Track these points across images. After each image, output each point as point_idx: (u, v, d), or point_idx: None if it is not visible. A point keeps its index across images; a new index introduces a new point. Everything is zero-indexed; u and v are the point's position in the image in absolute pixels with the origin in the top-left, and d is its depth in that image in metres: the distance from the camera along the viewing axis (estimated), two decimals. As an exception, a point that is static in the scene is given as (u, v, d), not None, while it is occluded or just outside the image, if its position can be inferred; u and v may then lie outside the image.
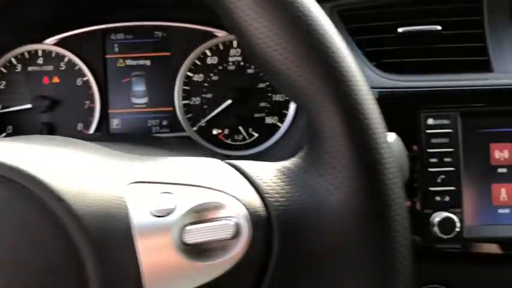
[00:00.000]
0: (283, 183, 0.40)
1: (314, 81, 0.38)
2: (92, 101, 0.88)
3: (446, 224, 0.69)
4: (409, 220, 0.40)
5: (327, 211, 0.38)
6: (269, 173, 0.41)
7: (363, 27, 0.78)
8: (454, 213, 0.70)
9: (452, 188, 0.70)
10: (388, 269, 0.38)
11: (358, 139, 0.38)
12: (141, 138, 0.77)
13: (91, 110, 0.88)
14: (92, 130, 0.87)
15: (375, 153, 0.38)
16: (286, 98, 0.87)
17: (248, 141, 0.88)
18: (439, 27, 0.75)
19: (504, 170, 0.72)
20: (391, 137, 0.55)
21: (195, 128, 0.88)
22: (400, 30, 0.76)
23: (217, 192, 0.39)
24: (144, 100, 0.89)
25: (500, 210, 0.72)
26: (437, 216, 0.69)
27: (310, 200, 0.39)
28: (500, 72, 0.73)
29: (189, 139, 0.87)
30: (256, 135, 0.88)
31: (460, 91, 0.71)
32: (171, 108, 0.88)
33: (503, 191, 0.72)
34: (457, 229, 0.69)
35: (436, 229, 0.69)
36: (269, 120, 0.88)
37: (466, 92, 0.71)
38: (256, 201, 0.39)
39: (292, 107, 0.88)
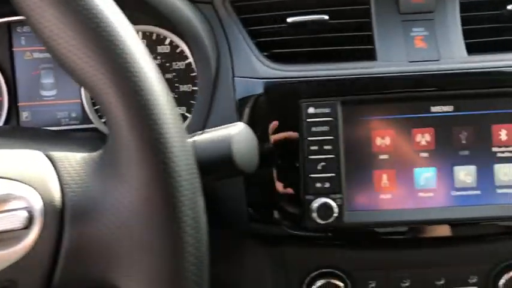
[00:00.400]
0: (85, 175, 0.42)
1: (103, 77, 0.39)
2: (0, 94, 0.89)
3: (324, 209, 0.71)
4: (203, 220, 0.41)
5: (122, 206, 0.39)
6: (77, 165, 0.42)
7: (254, 17, 0.79)
8: (334, 199, 0.72)
9: (332, 174, 0.72)
10: (175, 269, 0.39)
11: (147, 139, 0.39)
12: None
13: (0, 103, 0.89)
14: (0, 123, 0.89)
15: (163, 155, 0.39)
16: (194, 88, 0.89)
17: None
18: (326, 17, 0.77)
19: (385, 157, 0.74)
20: (239, 127, 0.56)
21: (103, 120, 0.89)
22: (289, 20, 0.77)
23: (16, 183, 0.40)
24: (53, 92, 0.90)
25: (382, 196, 0.74)
26: (316, 203, 0.71)
27: (104, 194, 0.40)
28: (384, 61, 0.75)
29: (96, 131, 0.89)
30: (164, 125, 0.90)
31: (342, 80, 0.73)
32: (78, 101, 0.89)
33: (384, 177, 0.74)
34: (335, 214, 0.71)
35: (314, 215, 0.71)
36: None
37: (347, 80, 0.73)
38: (55, 192, 0.40)
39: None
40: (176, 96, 0.89)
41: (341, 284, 0.78)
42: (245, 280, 0.85)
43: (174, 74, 0.89)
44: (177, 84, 0.89)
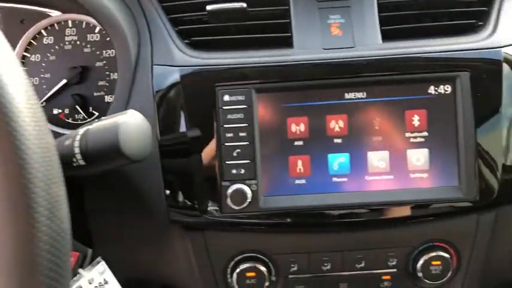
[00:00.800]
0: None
1: None
2: None
3: (237, 195, 0.72)
4: (62, 210, 0.41)
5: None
6: None
7: (176, 5, 0.80)
8: (249, 185, 0.73)
9: (247, 161, 0.73)
10: (24, 259, 0.38)
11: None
12: None
13: None
14: None
15: (15, 147, 0.39)
16: (124, 76, 0.89)
17: (89, 120, 0.90)
18: (244, 5, 0.77)
19: (300, 143, 0.75)
20: (128, 114, 0.57)
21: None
22: (208, 8, 0.78)
23: None
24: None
25: (297, 181, 0.75)
26: (231, 189, 0.73)
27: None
28: (300, 48, 0.76)
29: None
30: (96, 113, 0.90)
31: (257, 67, 0.74)
32: (9, 89, 0.89)
33: (299, 163, 0.75)
34: (249, 200, 0.73)
35: (229, 201, 0.73)
36: (108, 98, 0.90)
37: (262, 68, 0.74)
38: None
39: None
40: (107, 84, 0.90)
41: (263, 268, 0.80)
42: (172, 266, 0.86)
43: (104, 62, 0.90)
44: (107, 72, 0.90)
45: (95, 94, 0.90)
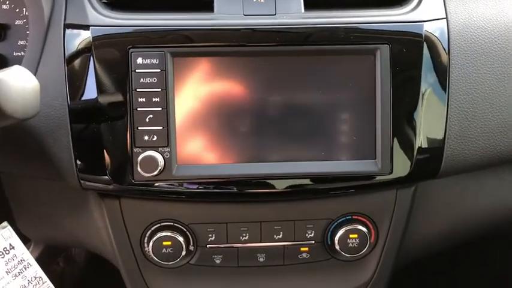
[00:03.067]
0: None
1: None
2: None
3: (148, 162, 0.70)
4: None
5: None
6: None
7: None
8: (162, 153, 0.71)
9: (160, 127, 0.71)
10: None
11: None
12: None
13: None
14: None
15: None
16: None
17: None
18: (165, -35, 0.74)
19: (216, 111, 0.72)
20: (11, 70, 0.54)
21: None
22: (127, -33, 0.74)
23: None
24: None
25: (213, 150, 0.73)
26: (142, 155, 0.71)
27: None
28: (220, 13, 0.73)
29: None
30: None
31: (172, 30, 0.71)
32: None
33: (215, 131, 0.73)
34: (160, 167, 0.71)
35: (140, 168, 0.71)
36: (29, 58, 0.87)
37: (178, 31, 0.71)
38: None
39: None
40: (27, 43, 0.86)
41: (180, 238, 0.79)
42: (90, 233, 0.84)
43: (24, 20, 0.86)
44: (28, 32, 0.86)
45: (15, 54, 0.86)
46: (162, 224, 0.79)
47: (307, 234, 0.82)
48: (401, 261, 0.88)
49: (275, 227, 0.81)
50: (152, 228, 0.80)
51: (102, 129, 0.71)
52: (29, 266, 0.75)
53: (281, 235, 0.81)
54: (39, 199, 0.86)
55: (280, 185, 0.75)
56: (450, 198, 0.86)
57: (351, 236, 0.81)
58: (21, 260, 0.74)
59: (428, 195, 0.84)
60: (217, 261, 0.82)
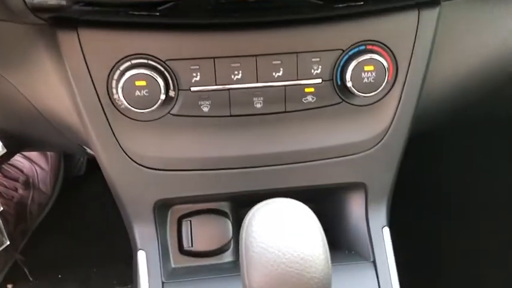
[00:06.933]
0: None
1: None
2: None
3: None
4: None
5: None
6: None
7: None
8: None
9: None
10: None
11: None
12: None
13: None
14: None
15: None
16: None
17: None
18: None
19: None
20: None
21: None
22: None
23: None
24: None
25: None
26: None
27: None
28: None
29: None
30: None
31: None
32: None
33: None
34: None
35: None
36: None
37: None
38: None
39: None
40: None
41: (158, 77, 0.63)
42: (44, 87, 0.68)
43: None
44: None
45: None
46: (133, 61, 0.64)
47: (312, 71, 0.67)
48: (423, 115, 0.75)
49: (274, 62, 0.66)
50: (121, 68, 0.64)
51: None
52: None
53: (281, 72, 0.66)
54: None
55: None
56: (479, 25, 0.72)
57: (365, 68, 0.66)
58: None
59: (455, 21, 0.70)
60: (205, 109, 0.67)
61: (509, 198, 1.23)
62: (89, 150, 0.77)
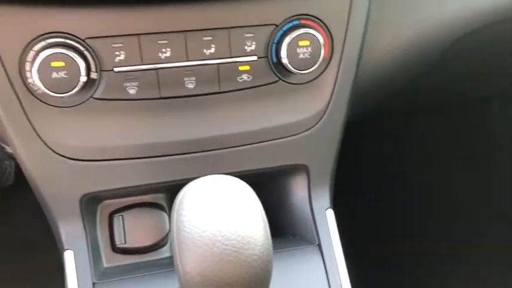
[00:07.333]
0: None
1: None
2: None
3: None
4: None
5: None
6: None
7: None
8: None
9: None
10: None
11: None
12: None
13: None
14: None
15: None
16: None
17: None
18: None
19: None
20: None
21: None
22: None
23: None
24: None
25: None
26: None
27: None
28: None
29: None
30: None
31: None
32: None
33: None
34: None
35: None
36: None
37: None
38: None
39: None
40: None
41: (77, 57, 0.58)
42: None
43: None
44: None
45: None
46: (48, 40, 0.57)
47: (246, 47, 0.63)
48: (362, 92, 0.73)
49: (204, 38, 0.62)
50: (35, 48, 0.57)
51: None
52: None
53: (213, 49, 0.62)
54: None
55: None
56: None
57: (300, 43, 0.64)
58: None
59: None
60: (132, 92, 0.62)
61: (451, 174, 1.26)
62: (8, 149, 0.70)
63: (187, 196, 0.42)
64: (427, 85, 0.93)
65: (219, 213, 0.40)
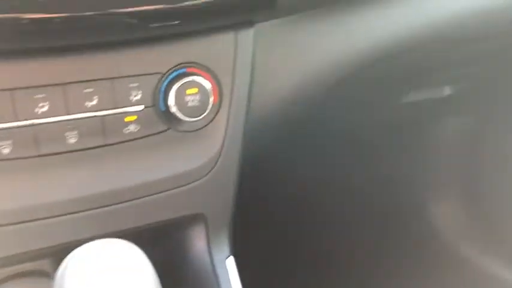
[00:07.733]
0: None
1: None
2: None
3: None
4: None
5: None
6: None
7: None
8: None
9: None
10: None
11: None
12: None
13: None
14: None
15: None
16: None
17: None
18: None
19: None
20: None
21: None
22: None
23: None
24: None
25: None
26: None
27: None
28: None
29: None
30: None
31: None
32: None
33: None
34: None
35: None
36: None
37: None
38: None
39: None
40: None
41: None
42: None
43: None
44: None
45: None
46: None
47: (131, 97, 0.61)
48: (256, 134, 0.73)
49: (85, 91, 0.59)
50: None
51: None
52: None
53: (95, 101, 0.59)
54: None
55: (86, 22, 0.53)
56: (298, 45, 0.74)
57: (188, 91, 0.63)
58: None
59: (273, 42, 0.71)
60: (6, 151, 0.56)
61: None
62: None
63: (69, 268, 0.38)
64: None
65: (105, 286, 0.37)
